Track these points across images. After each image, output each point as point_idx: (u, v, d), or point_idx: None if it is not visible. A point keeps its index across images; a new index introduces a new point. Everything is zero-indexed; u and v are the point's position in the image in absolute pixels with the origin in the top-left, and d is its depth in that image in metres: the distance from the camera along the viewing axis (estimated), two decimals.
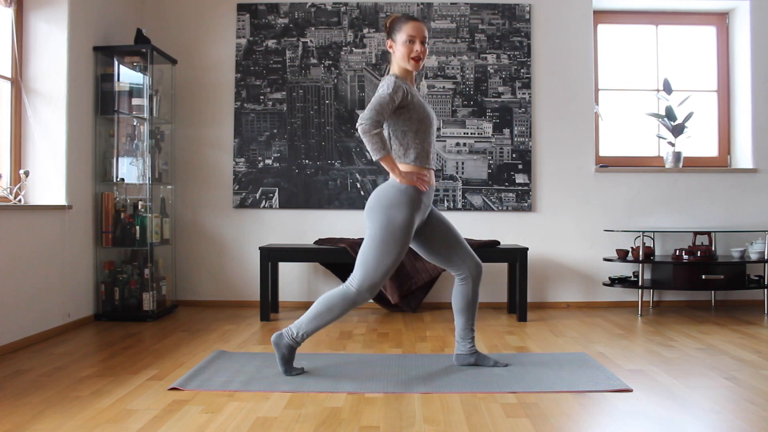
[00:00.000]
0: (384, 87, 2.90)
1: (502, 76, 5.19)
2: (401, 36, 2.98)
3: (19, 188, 3.89)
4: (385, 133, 3.00)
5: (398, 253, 2.91)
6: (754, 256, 4.87)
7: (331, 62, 5.18)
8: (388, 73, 3.04)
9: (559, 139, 5.21)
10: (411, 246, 3.10)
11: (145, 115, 4.51)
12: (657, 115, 5.34)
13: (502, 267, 5.17)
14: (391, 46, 3.04)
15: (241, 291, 5.19)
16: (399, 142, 2.98)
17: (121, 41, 4.80)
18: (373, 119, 2.81)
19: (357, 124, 2.84)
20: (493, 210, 5.17)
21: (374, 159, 2.86)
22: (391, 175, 2.95)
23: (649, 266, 5.09)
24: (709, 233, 4.95)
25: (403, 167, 2.97)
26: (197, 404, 2.59)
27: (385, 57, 5.14)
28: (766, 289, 4.83)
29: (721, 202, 5.23)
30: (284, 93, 5.18)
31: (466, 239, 4.85)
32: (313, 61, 5.19)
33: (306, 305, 5.13)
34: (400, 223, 2.90)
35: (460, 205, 5.17)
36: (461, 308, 3.16)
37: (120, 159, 4.57)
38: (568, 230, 5.21)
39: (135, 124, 4.59)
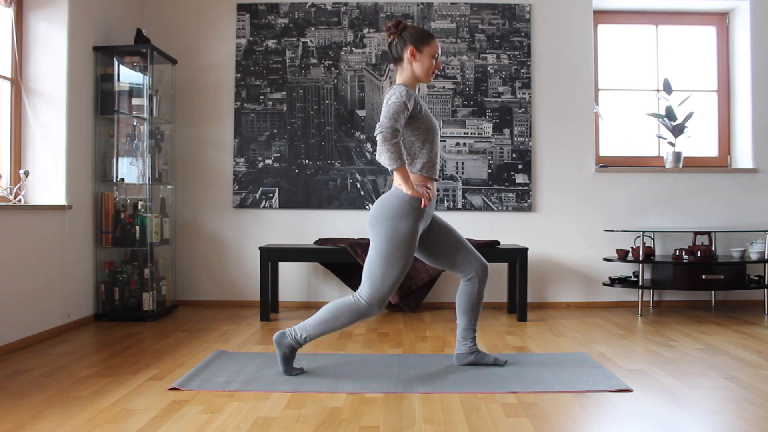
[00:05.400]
0: (396, 95, 2.87)
1: (502, 76, 5.19)
2: (431, 50, 2.99)
3: (19, 188, 3.89)
4: None
5: (404, 264, 2.89)
6: (754, 256, 4.87)
7: (331, 62, 5.18)
8: (392, 82, 3.02)
9: (559, 139, 5.21)
10: (415, 254, 3.09)
11: (145, 115, 4.51)
12: (657, 115, 5.34)
13: (502, 267, 5.17)
14: (413, 54, 2.98)
15: (241, 291, 5.19)
16: (407, 152, 2.97)
17: (121, 41, 4.81)
18: (392, 127, 2.79)
19: (376, 133, 2.81)
20: (493, 210, 5.17)
21: (390, 168, 2.83)
22: (394, 185, 2.93)
23: (649, 266, 5.09)
24: (709, 233, 4.95)
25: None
26: (197, 404, 2.59)
27: (385, 57, 5.13)
28: (766, 289, 4.83)
29: (721, 202, 5.23)
30: (284, 93, 5.18)
31: (467, 239, 4.85)
32: (313, 61, 5.19)
33: (306, 305, 5.14)
34: (405, 233, 2.88)
35: (460, 205, 5.17)
36: (465, 308, 3.16)
37: (120, 159, 4.57)
38: (568, 230, 5.21)
39: (135, 124, 4.60)
